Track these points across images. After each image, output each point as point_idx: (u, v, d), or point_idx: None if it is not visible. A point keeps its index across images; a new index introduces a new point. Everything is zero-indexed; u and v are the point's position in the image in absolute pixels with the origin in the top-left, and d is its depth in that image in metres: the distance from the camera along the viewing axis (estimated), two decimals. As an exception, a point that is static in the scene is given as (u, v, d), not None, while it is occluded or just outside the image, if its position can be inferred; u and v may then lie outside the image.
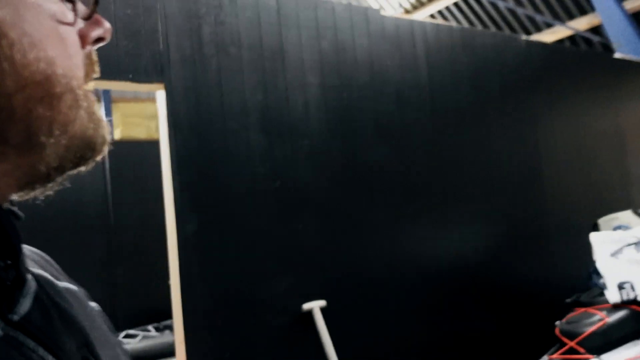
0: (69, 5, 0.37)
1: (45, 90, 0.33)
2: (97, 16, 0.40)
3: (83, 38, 0.39)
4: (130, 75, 2.05)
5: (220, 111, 2.25)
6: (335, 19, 2.61)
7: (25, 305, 0.36)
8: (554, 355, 2.48)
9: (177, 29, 2.18)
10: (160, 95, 2.15)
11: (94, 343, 0.40)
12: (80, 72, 0.37)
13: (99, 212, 4.57)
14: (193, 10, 2.22)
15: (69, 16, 0.37)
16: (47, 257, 0.49)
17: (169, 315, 3.55)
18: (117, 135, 5.35)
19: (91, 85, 0.39)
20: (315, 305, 2.37)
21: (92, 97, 0.38)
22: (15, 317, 0.34)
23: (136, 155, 4.81)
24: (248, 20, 2.36)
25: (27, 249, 0.42)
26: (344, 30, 2.63)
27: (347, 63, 2.62)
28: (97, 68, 0.40)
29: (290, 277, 2.34)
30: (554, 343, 2.61)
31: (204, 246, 2.15)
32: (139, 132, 5.40)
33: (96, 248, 4.47)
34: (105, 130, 0.39)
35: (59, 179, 0.37)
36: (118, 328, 4.41)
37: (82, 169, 0.39)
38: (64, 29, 0.36)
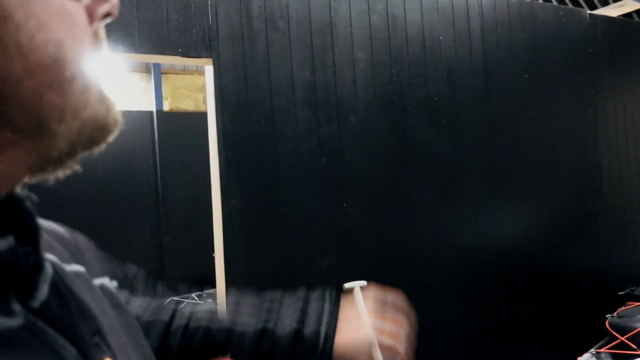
0: None
1: (55, 75, 0.31)
2: None
3: (90, 14, 0.35)
4: (180, 50, 2.06)
5: (268, 87, 2.24)
6: (387, -8, 2.52)
7: (43, 291, 0.35)
8: (603, 349, 2.39)
9: (226, 3, 2.16)
10: (209, 70, 2.15)
11: (104, 330, 0.40)
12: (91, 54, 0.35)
13: (148, 182, 4.71)
14: (242, -17, 2.19)
15: None
16: (59, 232, 0.48)
17: (213, 284, 3.66)
18: (167, 106, 5.46)
19: (99, 65, 0.37)
20: (357, 285, 2.36)
21: (101, 78, 0.36)
22: (36, 304, 0.34)
23: (185, 127, 4.90)
24: (297, -6, 2.31)
25: (43, 225, 0.40)
26: (396, 3, 2.54)
27: (398, 38, 2.54)
28: (104, 46, 0.37)
29: (333, 255, 2.33)
30: (603, 336, 2.52)
31: (248, 222, 2.17)
32: (188, 104, 5.49)
33: (145, 217, 4.63)
34: (117, 111, 0.37)
35: (71, 162, 0.35)
36: (163, 294, 4.59)
37: (94, 151, 0.37)
38: (72, 6, 0.33)
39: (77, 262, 0.46)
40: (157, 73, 5.17)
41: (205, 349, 0.75)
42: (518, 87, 2.89)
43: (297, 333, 0.76)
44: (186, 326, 0.75)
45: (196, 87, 5.55)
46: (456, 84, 2.69)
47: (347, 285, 2.56)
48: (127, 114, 4.29)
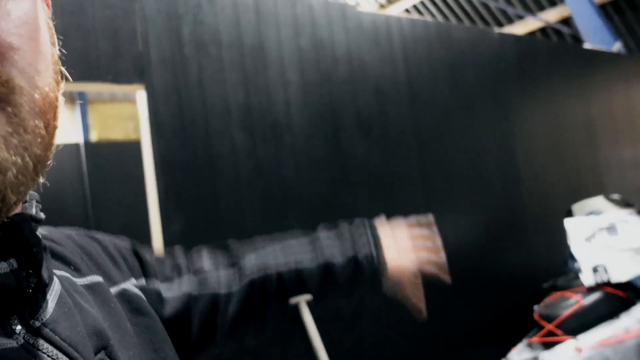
0: None
1: None
2: None
3: None
4: (111, 77, 2.05)
5: (203, 111, 2.27)
6: (313, 16, 2.64)
7: (48, 309, 0.35)
8: (534, 339, 2.57)
9: (156, 29, 2.18)
10: (141, 96, 2.15)
11: (115, 344, 0.39)
12: None
13: (79, 216, 4.52)
14: (172, 10, 2.23)
15: None
16: (79, 239, 0.46)
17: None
18: (94, 137, 5.30)
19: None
20: (302, 299, 2.41)
21: None
22: (37, 324, 0.34)
23: (115, 157, 4.77)
24: (227, 20, 2.37)
25: (58, 238, 0.41)
26: (322, 27, 2.66)
27: (327, 60, 2.66)
28: None
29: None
30: (533, 327, 2.71)
31: (190, 245, 2.16)
32: (117, 134, 5.35)
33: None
34: None
35: None
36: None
37: None
38: None
39: (96, 271, 0.45)
40: (83, 103, 5.02)
41: (282, 293, 0.75)
42: (441, 101, 3.09)
43: (354, 259, 0.78)
44: (264, 278, 0.73)
45: (124, 116, 5.43)
46: (384, 101, 2.84)
47: (292, 300, 2.58)
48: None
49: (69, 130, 5.09)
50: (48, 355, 0.33)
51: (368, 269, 0.78)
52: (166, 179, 2.14)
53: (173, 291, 0.61)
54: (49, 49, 0.31)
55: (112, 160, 4.76)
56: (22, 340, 0.32)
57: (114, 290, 0.46)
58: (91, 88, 2.12)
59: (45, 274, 0.35)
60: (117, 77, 2.07)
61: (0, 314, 0.32)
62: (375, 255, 0.78)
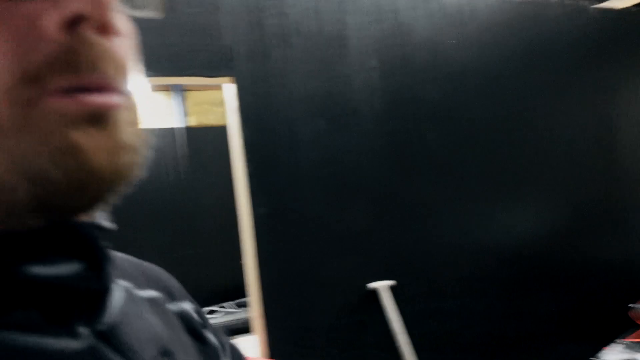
0: None
1: None
2: None
3: (43, 19, 0.27)
4: (200, 71, 2.20)
5: (285, 99, 2.36)
6: (396, 1, 2.62)
7: (111, 315, 0.35)
8: (627, 339, 2.42)
9: (241, 23, 2.29)
10: (229, 87, 2.28)
11: (174, 352, 0.39)
12: (11, 77, 0.26)
13: (171, 196, 4.86)
14: (255, 4, 2.32)
15: None
16: (133, 261, 0.48)
17: (243, 293, 3.78)
18: (191, 122, 5.64)
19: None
20: (382, 285, 2.46)
21: (69, 110, 0.27)
22: (101, 327, 0.34)
23: (209, 140, 5.06)
24: (309, 9, 2.43)
25: (116, 256, 0.41)
26: (405, 12, 2.64)
27: (408, 45, 2.63)
28: (93, 64, 0.28)
29: (357, 257, 2.43)
30: (628, 327, 2.55)
31: (275, 227, 2.29)
32: (210, 119, 5.66)
33: (173, 230, 4.79)
34: (90, 159, 0.28)
35: (65, 213, 0.30)
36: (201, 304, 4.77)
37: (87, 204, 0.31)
38: None
39: (153, 288, 0.45)
40: (179, 91, 5.37)
41: None
42: (529, 85, 2.95)
43: None
44: None
45: (218, 102, 5.72)
46: (465, 86, 2.77)
47: (371, 285, 2.64)
48: (152, 132, 4.47)
49: (167, 115, 5.47)
50: (111, 358, 0.33)
51: None
52: (252, 164, 2.27)
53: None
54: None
55: (206, 143, 5.06)
56: (86, 343, 0.32)
57: (172, 307, 0.46)
58: (184, 81, 2.29)
59: (108, 279, 0.35)
60: (208, 71, 2.21)
61: (65, 316, 0.32)
62: None
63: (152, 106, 5.18)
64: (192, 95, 5.61)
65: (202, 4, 2.22)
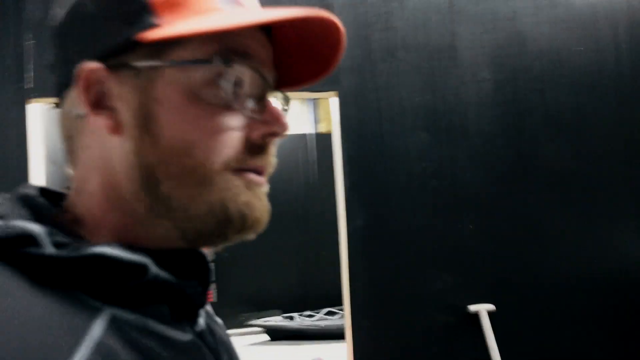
0: (232, 96, 0.43)
1: (175, 169, 0.41)
2: (270, 112, 0.45)
3: (250, 129, 0.44)
4: (308, 86, 2.31)
5: (388, 113, 2.37)
6: (515, 8, 2.46)
7: (201, 323, 0.48)
8: None
9: (348, 39, 2.36)
10: (334, 102, 2.37)
11: None
12: (223, 157, 0.42)
13: (309, 200, 5.11)
14: (363, 20, 2.37)
15: (227, 104, 0.43)
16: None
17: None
18: (323, 129, 5.88)
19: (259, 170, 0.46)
20: (482, 308, 2.33)
21: (248, 182, 0.43)
22: (197, 329, 0.47)
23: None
24: (417, 22, 2.40)
25: None
26: (524, 18, 2.46)
27: (526, 54, 2.45)
28: (269, 160, 0.46)
29: (457, 276, 2.34)
30: None
31: (370, 240, 2.31)
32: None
33: (294, 234, 5.04)
34: (255, 213, 0.44)
35: (220, 244, 0.45)
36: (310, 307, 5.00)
37: (238, 239, 0.45)
38: (226, 125, 0.42)
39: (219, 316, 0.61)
40: (311, 99, 5.65)
41: None
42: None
43: None
44: None
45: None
46: (586, 97, 2.48)
47: (472, 307, 2.52)
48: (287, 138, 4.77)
49: (300, 122, 5.77)
50: (205, 354, 0.46)
51: None
52: (351, 176, 2.32)
53: None
54: None
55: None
56: (191, 337, 0.45)
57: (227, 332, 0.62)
58: (293, 97, 2.43)
59: (207, 298, 0.49)
60: (315, 86, 2.32)
61: (180, 315, 0.44)
62: None
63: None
64: (324, 103, 5.84)
65: (311, 23, 2.33)
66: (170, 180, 0.41)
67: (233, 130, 0.42)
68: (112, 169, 0.42)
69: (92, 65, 0.41)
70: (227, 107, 0.42)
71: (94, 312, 0.37)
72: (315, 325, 4.66)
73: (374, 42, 2.38)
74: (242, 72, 0.43)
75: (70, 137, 0.45)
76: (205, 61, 0.42)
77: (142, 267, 0.39)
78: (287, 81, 0.53)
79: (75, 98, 0.43)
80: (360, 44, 2.37)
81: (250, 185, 0.44)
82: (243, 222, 0.43)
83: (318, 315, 4.84)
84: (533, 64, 2.45)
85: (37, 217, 0.39)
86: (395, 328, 2.30)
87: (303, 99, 5.78)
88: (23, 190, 0.43)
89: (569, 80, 2.47)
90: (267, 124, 0.44)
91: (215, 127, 0.42)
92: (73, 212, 0.44)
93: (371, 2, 2.39)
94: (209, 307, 0.54)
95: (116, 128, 0.42)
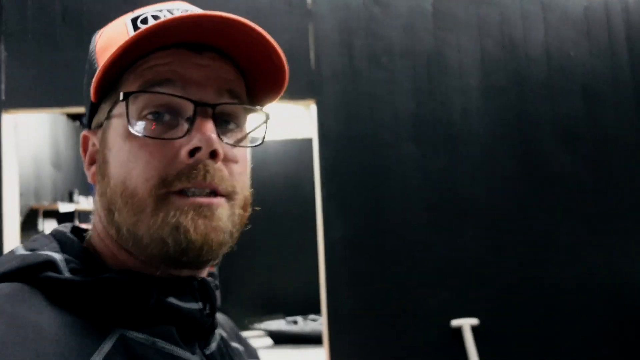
0: (151, 124, 0.46)
1: (119, 201, 0.46)
2: (195, 129, 0.45)
3: (176, 151, 0.46)
4: (287, 95, 2.28)
5: (371, 122, 2.31)
6: (502, 13, 2.37)
7: (213, 346, 0.51)
8: None
9: (329, 46, 2.31)
10: (312, 109, 2.32)
11: None
12: (150, 184, 0.45)
13: (312, 207, 5.07)
14: (344, 26, 2.32)
15: (147, 132, 0.46)
16: (229, 321, 0.65)
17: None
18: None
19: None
20: (466, 323, 2.25)
21: (185, 205, 0.45)
22: (207, 352, 0.50)
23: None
24: (402, 28, 2.34)
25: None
26: (513, 23, 2.37)
27: (517, 60, 2.36)
28: (213, 176, 0.46)
29: (442, 291, 2.26)
30: None
31: (350, 253, 2.25)
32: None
33: (301, 239, 5.00)
34: (189, 235, 0.44)
35: (188, 268, 0.47)
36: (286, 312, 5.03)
37: (196, 263, 0.47)
38: (137, 145, 0.46)
39: (237, 342, 0.62)
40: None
41: None
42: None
43: None
44: None
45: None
46: (595, 104, 2.37)
47: (455, 322, 2.44)
48: (292, 142, 4.73)
49: (306, 126, 5.72)
50: None
51: None
52: (329, 186, 2.27)
53: None
54: (248, 172, 0.52)
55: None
56: (201, 359, 0.48)
57: None
58: (270, 106, 2.39)
59: (215, 321, 0.52)
60: (292, 94, 2.28)
61: (189, 337, 0.47)
62: None
63: (291, 117, 5.50)
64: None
65: (292, 30, 2.29)
66: (119, 212, 0.46)
67: (154, 155, 0.45)
68: (98, 209, 0.50)
69: (85, 130, 0.52)
70: (151, 137, 0.46)
71: (104, 331, 0.42)
72: (319, 330, 4.63)
73: (356, 49, 2.32)
74: (149, 100, 0.46)
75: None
76: (116, 101, 0.47)
77: (145, 292, 0.44)
78: (267, 93, 0.55)
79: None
80: (342, 50, 2.32)
81: (187, 208, 0.44)
82: (177, 245, 0.44)
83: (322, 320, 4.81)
84: (528, 70, 2.35)
85: (62, 249, 0.46)
86: (375, 341, 2.24)
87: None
88: (59, 227, 0.51)
89: (563, 85, 2.36)
90: (192, 142, 0.45)
91: (142, 156, 0.45)
92: (92, 244, 0.50)
93: (354, 7, 2.33)
94: (224, 333, 0.56)
95: (93, 177, 0.51)
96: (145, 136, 0.45)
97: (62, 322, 0.40)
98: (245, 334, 5.32)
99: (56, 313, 0.40)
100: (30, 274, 0.42)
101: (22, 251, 0.45)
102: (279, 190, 4.80)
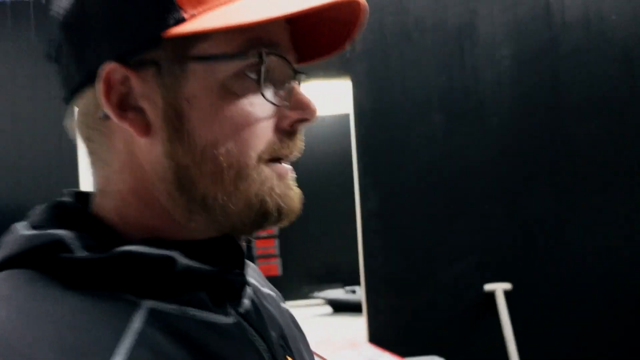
0: (257, 91, 0.42)
1: (210, 168, 0.41)
2: (298, 98, 0.43)
3: (280, 118, 0.43)
4: (322, 73, 2.37)
5: (402, 96, 2.38)
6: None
7: (246, 304, 0.47)
8: None
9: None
10: (347, 86, 2.41)
11: (287, 338, 0.51)
12: (257, 150, 0.42)
13: (346, 178, 5.16)
14: (375, 2, 2.37)
15: (255, 101, 0.42)
16: (256, 269, 0.62)
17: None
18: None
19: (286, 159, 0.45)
20: (498, 287, 2.33)
21: (279, 173, 0.43)
22: (241, 310, 0.46)
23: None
24: (432, 3, 2.37)
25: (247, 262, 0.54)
26: (547, -9, 2.36)
27: (552, 27, 2.35)
28: (298, 145, 0.45)
29: (474, 256, 2.35)
30: None
31: (385, 222, 2.36)
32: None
33: (339, 211, 5.10)
34: (290, 203, 0.44)
35: (254, 233, 0.46)
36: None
37: (271, 228, 0.47)
38: (256, 116, 0.42)
39: (268, 288, 0.59)
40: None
41: None
42: None
43: None
44: None
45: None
46: (635, 70, 2.35)
47: (487, 286, 2.53)
48: (329, 118, 4.79)
49: (344, 102, 5.77)
50: (251, 334, 0.45)
51: None
52: (364, 159, 2.37)
53: None
54: None
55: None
56: (235, 319, 0.44)
57: (283, 305, 0.60)
58: (309, 81, 2.49)
59: (246, 277, 0.48)
60: (327, 72, 2.37)
61: (221, 299, 0.44)
62: None
63: (329, 94, 5.55)
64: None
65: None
66: (206, 180, 0.41)
67: (264, 121, 0.42)
68: (141, 171, 0.42)
69: (113, 64, 0.40)
70: (257, 98, 0.42)
71: (132, 307, 0.38)
72: None
73: (387, 25, 2.38)
74: (272, 63, 0.42)
75: (90, 138, 0.44)
76: (236, 55, 0.41)
77: (170, 260, 0.40)
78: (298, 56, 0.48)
79: (93, 98, 0.42)
80: (374, 27, 2.38)
81: (281, 176, 0.44)
82: (280, 213, 0.43)
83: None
84: (561, 39, 2.35)
85: (69, 223, 0.41)
86: (412, 307, 2.35)
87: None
88: (60, 198, 0.45)
89: (602, 52, 2.35)
90: (297, 111, 0.43)
91: (247, 120, 0.41)
92: (100, 213, 0.44)
93: (384, -16, 2.38)
94: (255, 282, 0.54)
95: (144, 130, 0.41)
96: (270, 102, 0.42)
97: (80, 305, 0.37)
98: (305, 302, 5.54)
99: (76, 300, 0.37)
100: (39, 257, 0.38)
101: (25, 230, 0.41)
102: (324, 164, 4.88)
